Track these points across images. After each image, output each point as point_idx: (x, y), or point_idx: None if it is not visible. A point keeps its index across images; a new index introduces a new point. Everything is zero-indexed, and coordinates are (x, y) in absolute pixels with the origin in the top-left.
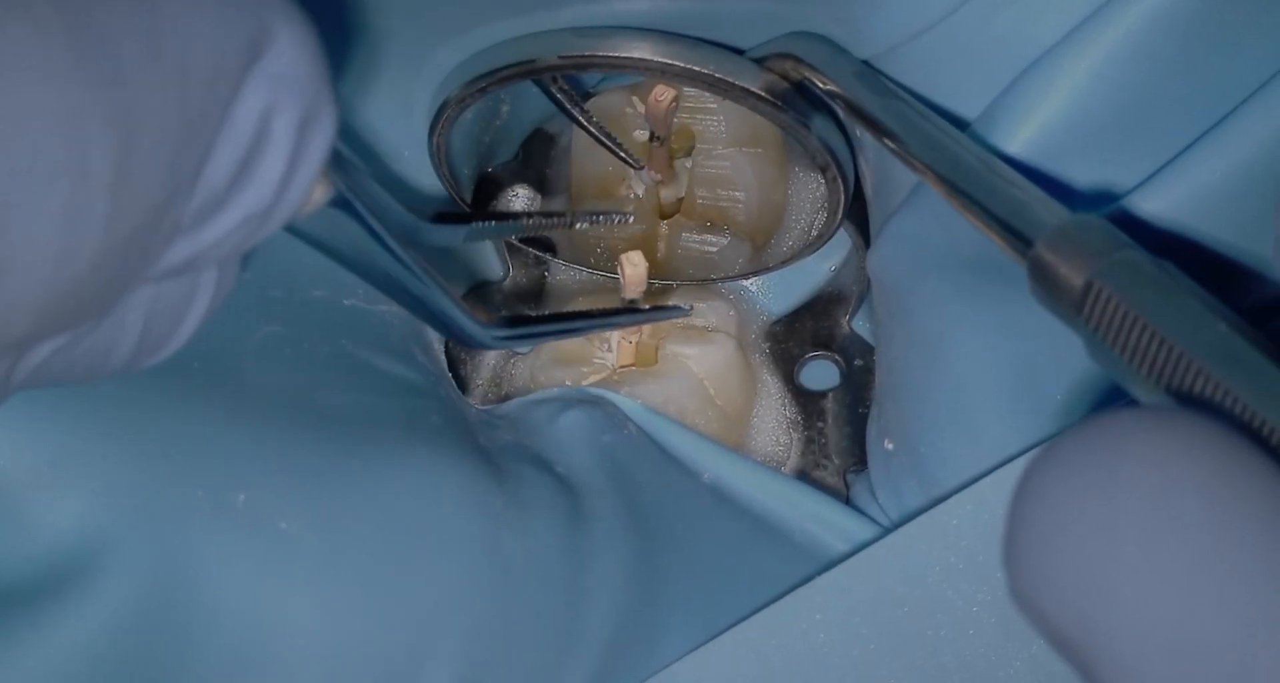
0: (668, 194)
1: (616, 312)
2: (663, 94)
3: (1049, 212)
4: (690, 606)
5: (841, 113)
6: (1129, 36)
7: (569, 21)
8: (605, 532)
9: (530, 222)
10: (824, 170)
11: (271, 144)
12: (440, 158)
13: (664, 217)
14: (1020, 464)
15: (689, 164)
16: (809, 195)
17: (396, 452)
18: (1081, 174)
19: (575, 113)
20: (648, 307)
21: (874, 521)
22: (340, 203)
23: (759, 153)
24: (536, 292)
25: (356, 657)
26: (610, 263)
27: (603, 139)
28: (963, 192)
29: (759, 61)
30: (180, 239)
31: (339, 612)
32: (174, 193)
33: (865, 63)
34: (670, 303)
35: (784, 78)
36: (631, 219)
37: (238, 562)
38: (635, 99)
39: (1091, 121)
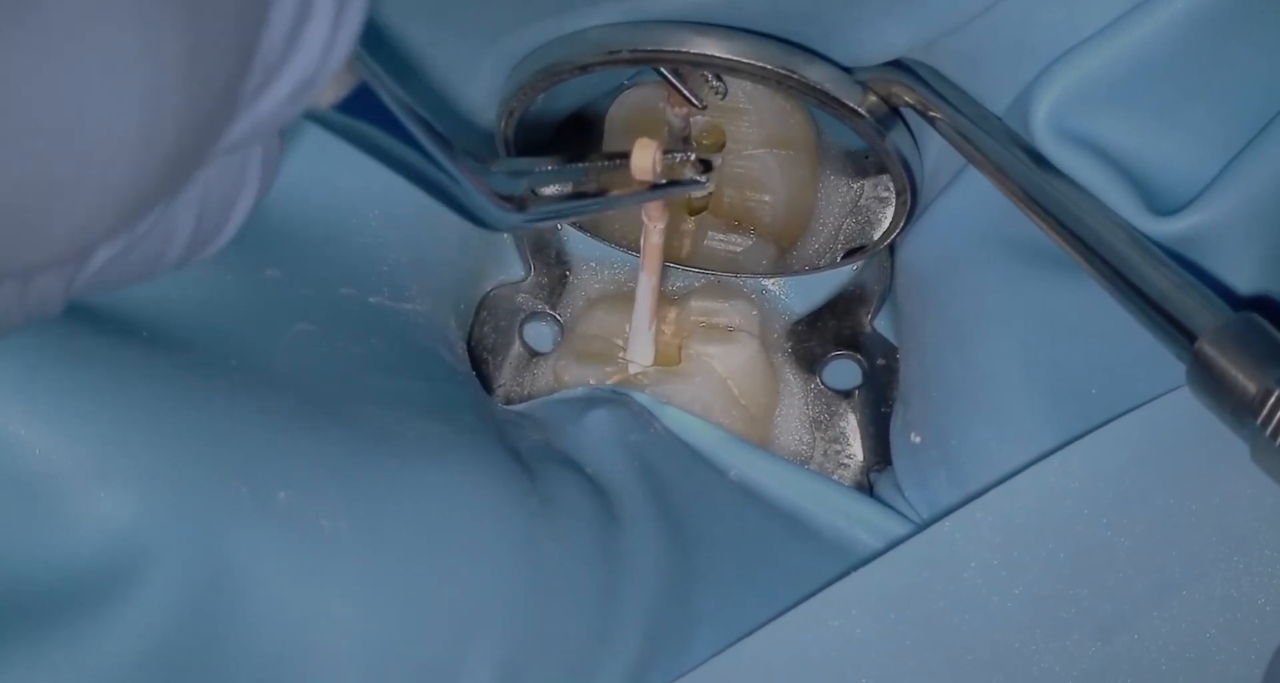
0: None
1: (634, 191)
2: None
3: (1208, 304)
4: (721, 601)
5: (948, 140)
6: (1169, 26)
7: (606, 18)
8: (636, 530)
9: (590, 166)
10: (898, 195)
11: (316, 9)
12: (508, 146)
13: (692, 213)
14: (1055, 460)
15: (719, 162)
16: (838, 200)
17: (433, 450)
18: (1117, 150)
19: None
20: (664, 181)
21: (902, 515)
22: (362, 94)
23: (789, 155)
24: (558, 291)
25: (395, 656)
26: (634, 239)
27: (667, 75)
28: (1112, 269)
29: (863, 83)
30: (241, 114)
31: (378, 611)
32: (239, 68)
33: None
34: (687, 179)
35: (885, 101)
36: (693, 156)
37: (279, 559)
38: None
39: (1129, 100)
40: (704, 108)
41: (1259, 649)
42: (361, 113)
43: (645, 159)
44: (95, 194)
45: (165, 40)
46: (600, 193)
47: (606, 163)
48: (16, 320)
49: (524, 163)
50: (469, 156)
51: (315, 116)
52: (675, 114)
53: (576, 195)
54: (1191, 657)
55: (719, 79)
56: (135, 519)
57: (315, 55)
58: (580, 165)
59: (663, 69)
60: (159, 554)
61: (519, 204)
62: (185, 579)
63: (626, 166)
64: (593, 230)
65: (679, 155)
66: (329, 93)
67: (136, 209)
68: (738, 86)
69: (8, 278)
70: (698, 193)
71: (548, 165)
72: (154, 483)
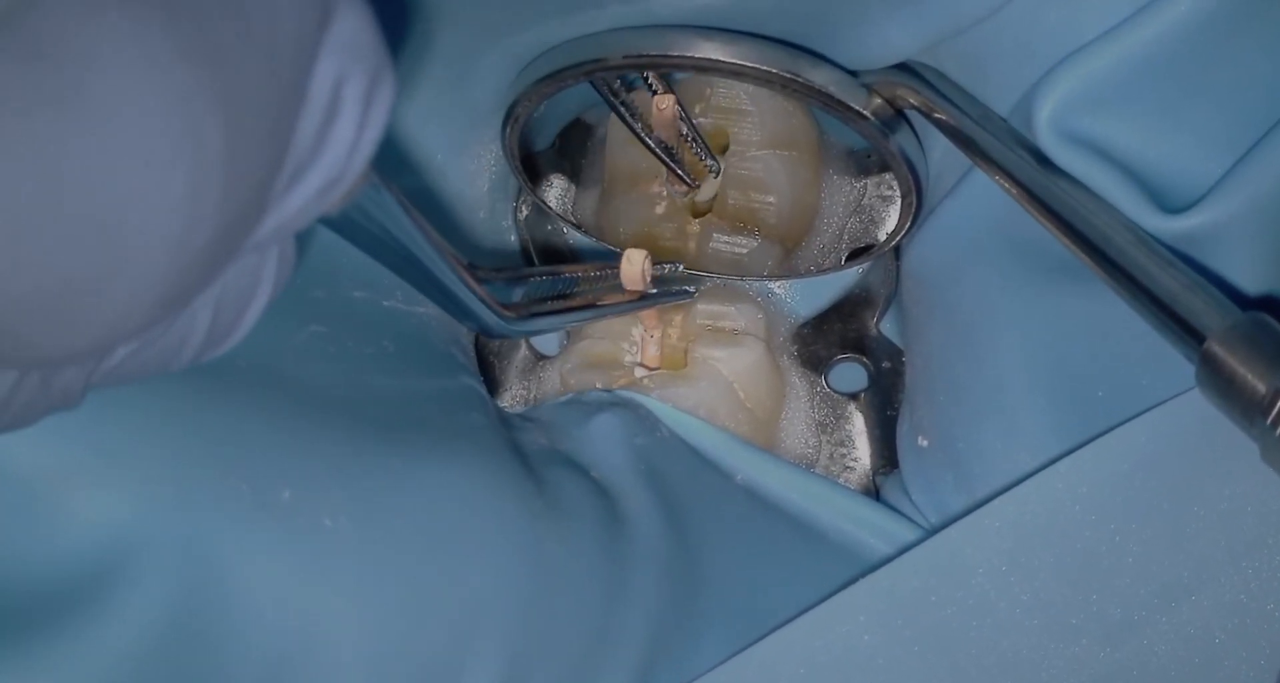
0: (701, 193)
1: (626, 299)
2: (664, 103)
3: (1217, 304)
4: (727, 605)
5: (953, 142)
6: (1173, 27)
7: (611, 22)
8: (641, 534)
9: (584, 276)
10: (904, 197)
11: (344, 110)
12: (513, 151)
13: (696, 215)
14: (1063, 466)
15: (722, 164)
16: (842, 199)
17: (439, 452)
18: (1121, 151)
19: (634, 125)
20: (654, 291)
21: (909, 518)
22: (371, 199)
23: (793, 156)
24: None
25: (397, 656)
26: (640, 244)
27: (659, 152)
28: (1120, 270)
29: (868, 85)
30: (271, 211)
31: (380, 610)
32: (272, 166)
33: (932, 68)
34: (677, 288)
35: (890, 103)
36: (682, 268)
37: (280, 558)
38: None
39: (1133, 102)
40: (699, 186)
41: (1268, 655)
42: (370, 217)
43: (634, 270)
44: (131, 290)
45: (207, 133)
46: (593, 304)
47: (598, 273)
48: (39, 411)
49: (521, 272)
50: (470, 266)
51: (324, 219)
52: (677, 190)
53: (572, 307)
54: (1199, 663)
55: (713, 157)
56: (128, 518)
57: (342, 154)
58: (575, 275)
59: (657, 150)
60: (153, 553)
61: (516, 311)
62: (180, 578)
63: (618, 274)
64: (599, 235)
65: (668, 266)
66: (341, 196)
67: (169, 305)
68: (740, 89)
69: (34, 370)
70: (684, 299)
71: (543, 275)
72: (148, 482)
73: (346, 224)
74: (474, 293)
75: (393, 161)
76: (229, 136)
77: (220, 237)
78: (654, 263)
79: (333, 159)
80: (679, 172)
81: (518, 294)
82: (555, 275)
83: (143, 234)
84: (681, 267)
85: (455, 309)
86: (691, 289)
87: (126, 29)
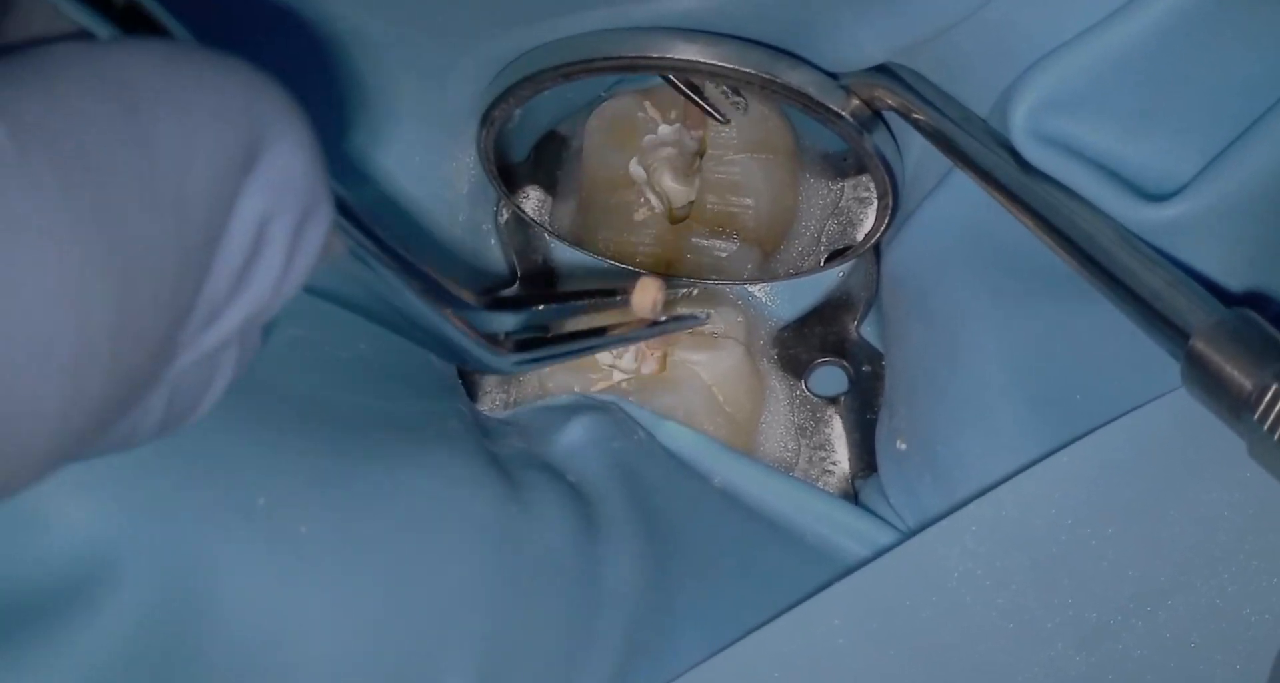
0: (678, 197)
1: (631, 328)
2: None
3: (1200, 301)
4: (704, 608)
5: (933, 143)
6: (1149, 28)
7: (589, 27)
8: (617, 536)
9: (590, 302)
10: (880, 198)
11: (269, 247)
12: (488, 156)
13: (674, 221)
14: (1039, 469)
15: (699, 168)
16: (819, 202)
17: (415, 457)
18: (1096, 152)
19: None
20: (664, 318)
21: (887, 522)
22: (340, 264)
23: (770, 159)
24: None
25: (374, 663)
26: (619, 251)
27: (691, 95)
28: (1102, 269)
29: (846, 87)
30: (182, 354)
31: (357, 617)
32: (174, 322)
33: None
34: (684, 312)
35: (868, 104)
36: (696, 292)
37: (257, 566)
38: (648, 104)
39: (1108, 103)
40: (728, 122)
41: (1245, 660)
42: (344, 282)
43: (646, 299)
44: (19, 451)
45: (93, 307)
46: (600, 332)
47: (604, 300)
48: None
49: (519, 299)
50: (461, 303)
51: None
52: (691, 136)
53: (572, 335)
54: (1175, 667)
55: (738, 93)
56: (106, 525)
57: (266, 290)
58: (579, 303)
59: (680, 86)
60: (131, 560)
61: (511, 344)
62: (158, 584)
63: (626, 303)
64: (576, 242)
65: (681, 290)
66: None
67: (70, 450)
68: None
69: None
70: (695, 324)
71: (545, 305)
72: (126, 489)
73: (320, 288)
74: (463, 333)
75: (368, 166)
76: (121, 305)
77: (117, 389)
78: (667, 287)
79: (255, 295)
80: (705, 106)
81: (515, 322)
82: (561, 305)
83: (25, 403)
84: (696, 291)
85: (449, 354)
86: (703, 315)
87: (20, 206)
